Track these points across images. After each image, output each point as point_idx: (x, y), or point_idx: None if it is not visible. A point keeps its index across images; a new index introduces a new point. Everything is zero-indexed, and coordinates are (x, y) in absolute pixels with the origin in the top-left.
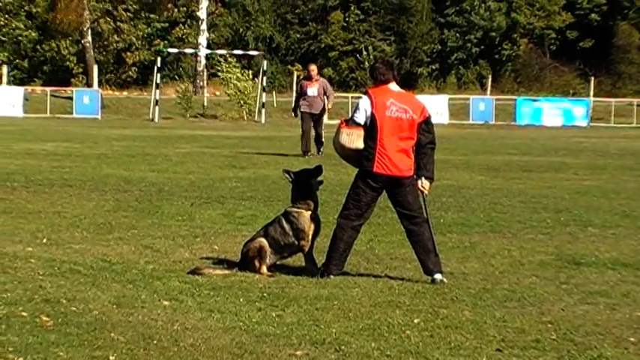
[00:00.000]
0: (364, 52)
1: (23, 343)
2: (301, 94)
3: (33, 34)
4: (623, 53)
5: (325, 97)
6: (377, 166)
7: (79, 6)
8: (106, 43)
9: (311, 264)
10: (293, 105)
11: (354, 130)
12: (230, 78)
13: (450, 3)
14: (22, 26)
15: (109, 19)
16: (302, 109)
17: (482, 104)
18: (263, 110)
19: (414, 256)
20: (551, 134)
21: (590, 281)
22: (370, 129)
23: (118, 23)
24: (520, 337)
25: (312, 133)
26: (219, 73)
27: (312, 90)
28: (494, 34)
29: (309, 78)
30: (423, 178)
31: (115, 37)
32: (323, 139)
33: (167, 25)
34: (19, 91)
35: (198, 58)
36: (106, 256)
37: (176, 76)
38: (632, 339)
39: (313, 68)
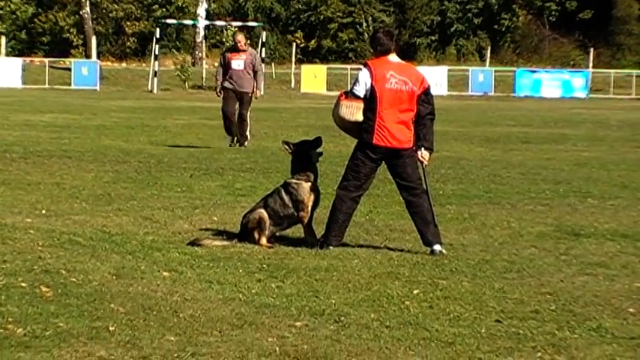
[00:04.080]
0: (364, 24)
1: (23, 313)
2: (225, 68)
3: (30, 9)
4: (622, 24)
5: (254, 73)
6: (376, 138)
7: None
8: (104, 11)
9: (310, 235)
10: (217, 82)
11: (353, 102)
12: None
13: None
14: (17, 0)
15: None
16: (225, 86)
17: (481, 75)
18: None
19: (413, 227)
20: (550, 106)
21: (589, 252)
22: (370, 101)
23: None
24: (519, 307)
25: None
26: (224, 40)
27: (238, 63)
28: (494, 1)
29: (234, 49)
30: (422, 149)
31: (115, 5)
32: (248, 130)
33: None
34: (17, 62)
35: (197, 29)
36: (106, 227)
37: (175, 48)
38: (631, 310)
39: (240, 39)
